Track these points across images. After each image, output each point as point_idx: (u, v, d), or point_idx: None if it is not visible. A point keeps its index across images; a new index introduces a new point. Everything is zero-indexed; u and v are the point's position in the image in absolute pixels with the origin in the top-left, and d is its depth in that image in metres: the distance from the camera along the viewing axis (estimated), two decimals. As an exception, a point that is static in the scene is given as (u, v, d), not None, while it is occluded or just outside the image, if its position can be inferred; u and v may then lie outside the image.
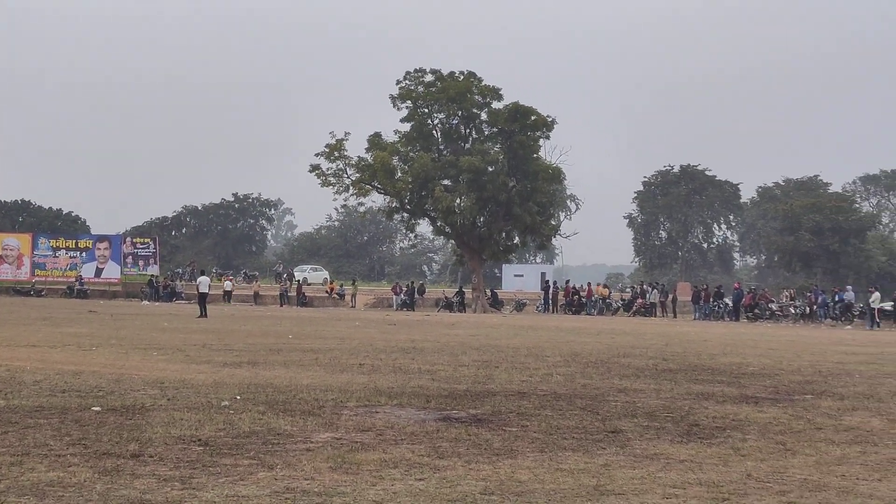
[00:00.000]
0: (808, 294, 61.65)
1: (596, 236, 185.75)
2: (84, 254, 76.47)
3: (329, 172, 67.40)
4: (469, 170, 64.27)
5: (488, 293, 68.35)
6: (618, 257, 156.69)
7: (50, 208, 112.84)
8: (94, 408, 12.28)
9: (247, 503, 7.51)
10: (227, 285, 68.20)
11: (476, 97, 67.56)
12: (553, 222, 73.31)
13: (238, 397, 13.68)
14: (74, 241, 78.63)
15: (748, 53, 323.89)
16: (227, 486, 8.06)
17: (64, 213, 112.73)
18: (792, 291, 68.15)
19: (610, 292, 70.52)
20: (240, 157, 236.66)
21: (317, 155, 67.44)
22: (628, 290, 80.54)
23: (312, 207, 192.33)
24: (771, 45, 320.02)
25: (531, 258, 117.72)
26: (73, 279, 72.97)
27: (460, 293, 67.68)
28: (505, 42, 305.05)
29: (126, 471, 8.58)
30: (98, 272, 76.10)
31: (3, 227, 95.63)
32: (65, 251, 76.50)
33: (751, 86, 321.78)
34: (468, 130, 68.89)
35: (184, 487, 7.99)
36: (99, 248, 76.93)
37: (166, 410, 12.25)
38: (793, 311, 57.07)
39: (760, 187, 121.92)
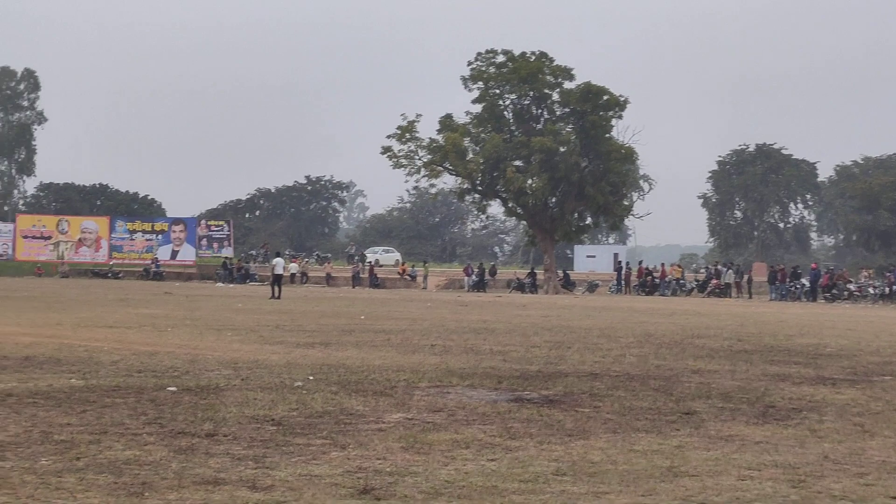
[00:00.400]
0: (888, 274, 60.62)
1: (669, 217, 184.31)
2: (160, 236, 77.55)
3: (401, 154, 67.59)
4: (541, 150, 64.04)
5: (560, 274, 68.14)
6: (692, 237, 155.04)
7: (127, 192, 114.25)
8: (169, 388, 12.42)
9: (319, 482, 7.53)
10: (293, 267, 68.65)
11: (548, 77, 67.28)
12: (626, 202, 72.79)
13: (311, 377, 13.75)
14: (151, 224, 79.79)
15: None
16: (299, 466, 8.10)
17: (140, 196, 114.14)
18: (871, 271, 67.06)
19: (684, 273, 69.93)
20: (311, 140, 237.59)
21: (388, 137, 67.68)
22: (702, 270, 79.77)
23: (384, 189, 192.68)
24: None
25: (604, 239, 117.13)
26: (150, 261, 74.05)
27: (532, 274, 67.60)
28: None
29: (201, 450, 8.66)
30: (174, 254, 77.17)
31: (82, 211, 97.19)
32: (141, 234, 77.67)
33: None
34: (540, 111, 68.61)
35: (257, 466, 8.04)
36: (174, 231, 77.97)
37: (240, 390, 12.36)
38: (872, 292, 56.19)
39: (838, 166, 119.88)
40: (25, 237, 75.66)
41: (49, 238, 75.93)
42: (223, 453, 8.52)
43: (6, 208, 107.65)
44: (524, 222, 75.49)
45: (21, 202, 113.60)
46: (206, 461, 8.18)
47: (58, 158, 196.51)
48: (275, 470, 7.92)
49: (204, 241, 78.65)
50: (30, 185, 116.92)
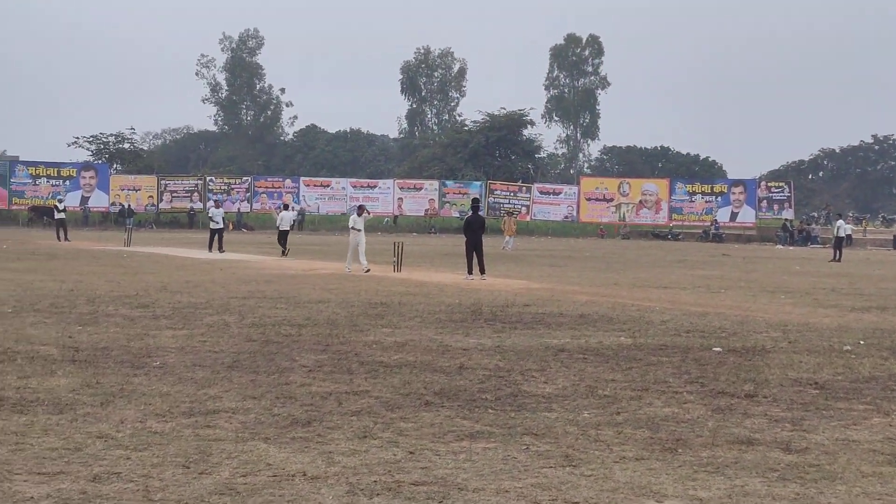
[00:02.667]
0: None
1: None
2: (720, 198, 77.66)
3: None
4: None
5: None
6: None
7: (688, 154, 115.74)
8: (714, 348, 12.53)
9: (856, 448, 7.31)
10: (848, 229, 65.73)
11: None
12: None
13: (861, 342, 13.28)
14: (710, 186, 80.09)
15: None
16: (837, 430, 7.91)
17: (701, 158, 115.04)
18: None
19: None
20: (879, 95, 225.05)
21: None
22: None
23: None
24: None
25: None
26: (709, 223, 74.41)
27: None
28: None
29: (738, 410, 8.70)
30: (733, 216, 76.95)
31: (643, 173, 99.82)
32: (701, 196, 78.20)
33: None
34: None
35: (794, 428, 7.95)
36: (734, 193, 77.76)
37: (786, 353, 12.21)
38: None
39: None
40: (589, 199, 78.82)
41: (611, 200, 78.64)
42: (760, 414, 8.51)
43: (572, 171, 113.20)
44: None
45: (585, 165, 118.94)
46: (742, 421, 8.22)
47: (620, 122, 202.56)
48: (811, 433, 7.80)
49: (764, 203, 77.71)
50: (594, 149, 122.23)
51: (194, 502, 5.76)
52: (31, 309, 15.59)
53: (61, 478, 6.20)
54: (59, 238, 45.19)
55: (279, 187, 78.53)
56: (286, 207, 39.73)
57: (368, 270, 26.12)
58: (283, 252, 34.70)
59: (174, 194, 76.92)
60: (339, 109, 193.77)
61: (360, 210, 28.71)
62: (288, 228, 35.84)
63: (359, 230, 27.46)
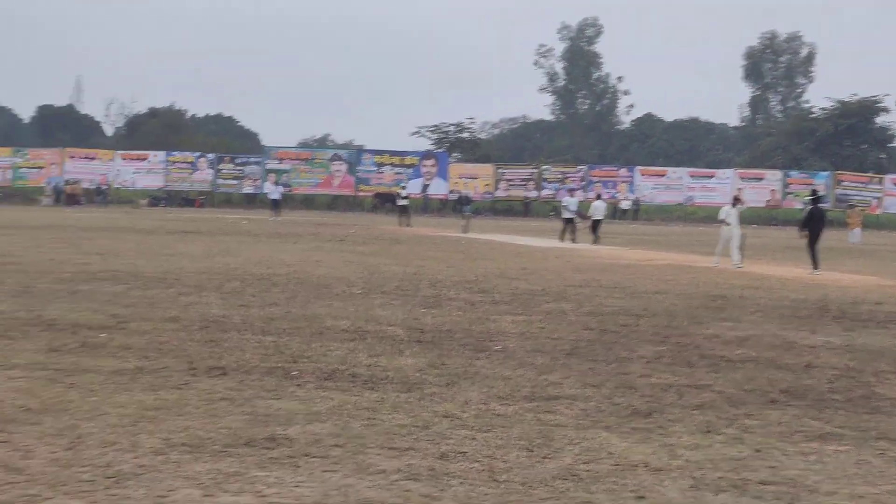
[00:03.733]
0: None
1: None
2: None
3: None
4: None
5: None
6: None
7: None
8: None
9: None
10: None
11: None
12: None
13: None
14: None
15: None
16: None
17: None
18: None
19: None
20: None
21: None
22: None
23: None
24: None
25: None
26: None
27: None
28: None
29: None
30: None
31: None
32: None
33: None
34: None
35: None
36: None
37: None
38: None
39: None
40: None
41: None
42: None
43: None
44: None
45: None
46: None
47: None
48: None
49: None
50: None
51: (539, 486, 5.79)
52: (378, 291, 16.27)
53: (411, 454, 6.41)
54: (401, 224, 47.17)
55: (613, 176, 78.57)
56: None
57: (740, 267, 24.26)
58: (595, 240, 35.21)
59: (510, 183, 78.50)
60: (677, 97, 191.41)
61: (735, 201, 27.14)
62: (601, 217, 36.16)
63: (730, 224, 25.62)
